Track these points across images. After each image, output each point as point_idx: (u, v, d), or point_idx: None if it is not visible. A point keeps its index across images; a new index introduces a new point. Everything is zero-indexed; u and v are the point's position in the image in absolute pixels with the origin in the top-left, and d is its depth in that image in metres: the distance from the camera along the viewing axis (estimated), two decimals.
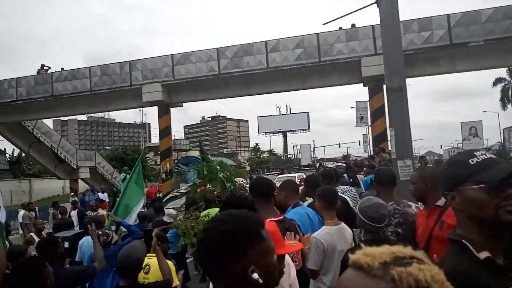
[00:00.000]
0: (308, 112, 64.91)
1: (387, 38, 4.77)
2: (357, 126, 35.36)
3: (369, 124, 30.41)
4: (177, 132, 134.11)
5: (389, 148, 15.34)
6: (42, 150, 25.23)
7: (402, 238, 3.00)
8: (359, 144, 53.73)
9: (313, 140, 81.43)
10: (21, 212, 12.01)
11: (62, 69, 20.71)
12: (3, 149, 38.51)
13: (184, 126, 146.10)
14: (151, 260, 3.51)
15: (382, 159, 10.16)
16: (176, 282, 3.43)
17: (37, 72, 20.87)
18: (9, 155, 36.77)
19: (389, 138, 18.54)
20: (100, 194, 15.43)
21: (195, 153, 61.15)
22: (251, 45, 17.55)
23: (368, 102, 29.11)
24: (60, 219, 8.32)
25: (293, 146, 77.13)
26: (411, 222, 3.00)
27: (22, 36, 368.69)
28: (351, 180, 7.29)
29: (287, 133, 65.15)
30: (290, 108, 74.60)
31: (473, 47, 14.92)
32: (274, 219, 2.46)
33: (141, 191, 7.08)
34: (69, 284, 3.17)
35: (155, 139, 76.63)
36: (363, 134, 49.23)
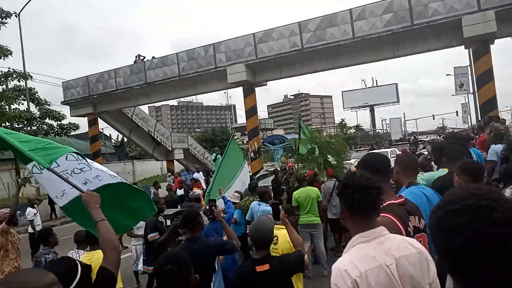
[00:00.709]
0: (396, 84, 61.10)
1: None
2: (455, 95, 32.31)
3: (471, 91, 27.44)
4: (261, 111, 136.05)
5: (502, 118, 13.62)
6: (141, 134, 27.36)
7: None
8: (457, 115, 49.11)
9: (403, 113, 76.59)
10: None
11: (153, 57, 21.93)
12: (108, 135, 42.73)
13: (267, 106, 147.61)
14: (279, 232, 3.56)
15: (493, 129, 8.90)
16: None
17: (134, 62, 22.40)
18: (114, 140, 40.65)
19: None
20: (195, 173, 16.17)
21: (279, 131, 61.52)
22: (335, 15, 16.63)
23: (469, 67, 26.26)
24: (168, 195, 8.82)
25: (381, 120, 73.46)
26: None
27: (119, 32, 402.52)
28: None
29: (374, 106, 62.13)
30: (376, 81, 70.78)
31: None
32: (395, 201, 2.08)
33: (237, 166, 7.08)
34: (211, 253, 3.36)
35: (240, 119, 78.72)
36: (461, 104, 44.95)
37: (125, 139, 31.22)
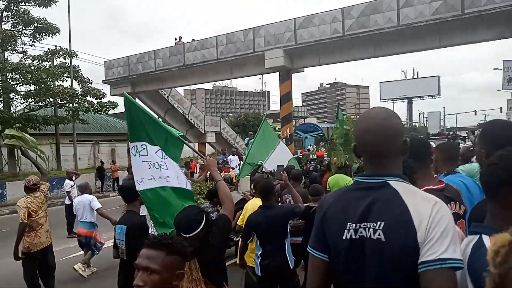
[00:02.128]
0: (438, 76, 58.59)
1: None
2: (502, 90, 30.72)
3: None
4: (295, 99, 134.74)
5: None
6: (176, 115, 27.83)
7: None
8: (501, 111, 46.64)
9: (443, 107, 73.76)
10: None
11: (193, 39, 22.07)
12: None
13: (302, 94, 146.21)
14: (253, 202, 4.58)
15: None
16: None
17: (175, 44, 22.66)
18: None
19: None
20: (230, 156, 16.28)
21: (312, 120, 60.84)
22: (380, 2, 16.01)
23: None
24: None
25: (419, 113, 71.12)
26: None
27: (162, 15, 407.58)
28: None
29: (412, 99, 60.03)
30: (417, 72, 68.30)
31: None
32: (434, 187, 2.03)
33: (271, 145, 7.01)
34: (286, 217, 3.93)
35: (274, 106, 78.43)
36: (507, 100, 42.66)
37: (160, 120, 31.81)
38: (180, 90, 34.05)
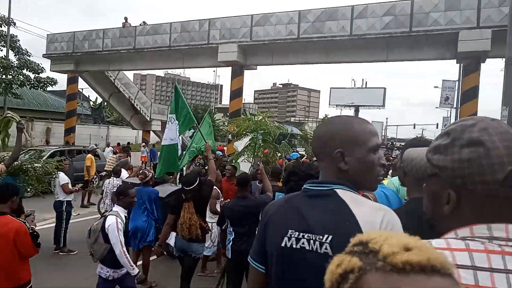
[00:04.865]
0: (385, 88, 61.06)
1: None
2: (439, 108, 32.75)
3: (455, 106, 27.85)
4: (248, 96, 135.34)
5: None
6: (121, 100, 26.69)
7: None
8: (437, 127, 49.99)
9: (386, 118, 77.48)
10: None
11: (144, 22, 21.19)
12: (87, 96, 41.56)
13: (255, 91, 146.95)
14: None
15: None
16: None
17: (122, 25, 21.58)
18: (93, 102, 39.59)
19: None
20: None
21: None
22: (336, 10, 16.39)
23: (457, 82, 26.57)
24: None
25: None
26: None
27: None
28: None
29: (359, 107, 62.44)
30: (366, 82, 71.10)
31: None
32: None
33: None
34: (258, 208, 4.09)
35: (226, 101, 78.03)
36: (443, 117, 45.69)
37: (104, 103, 30.42)
38: (129, 74, 32.74)
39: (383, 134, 55.90)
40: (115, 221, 3.65)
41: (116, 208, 3.88)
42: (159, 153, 16.03)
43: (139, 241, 5.45)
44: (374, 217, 1.19)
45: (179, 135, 5.91)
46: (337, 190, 1.27)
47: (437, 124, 49.78)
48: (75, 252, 6.66)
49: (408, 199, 1.87)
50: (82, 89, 35.55)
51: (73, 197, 7.27)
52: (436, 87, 34.65)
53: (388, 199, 2.66)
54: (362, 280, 0.51)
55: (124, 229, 3.76)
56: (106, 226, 3.64)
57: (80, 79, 24.57)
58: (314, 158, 1.35)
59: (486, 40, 13.73)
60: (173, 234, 4.56)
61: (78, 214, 9.68)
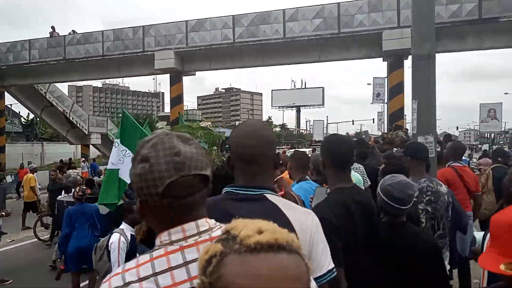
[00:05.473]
0: (323, 87, 63.79)
1: None
2: (372, 103, 34.63)
3: (386, 101, 29.65)
4: (191, 102, 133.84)
5: (405, 127, 14.88)
6: (55, 114, 25.31)
7: (430, 217, 2.83)
8: (373, 122, 52.79)
9: (327, 116, 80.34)
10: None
11: (74, 31, 20.33)
12: (17, 112, 38.88)
13: (198, 97, 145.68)
14: None
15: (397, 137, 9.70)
16: None
17: (50, 35, 20.53)
18: (24, 118, 37.08)
19: (405, 114, 17.64)
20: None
21: (207, 124, 61.01)
22: (269, 14, 16.85)
23: (386, 79, 28.30)
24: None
25: (306, 121, 76.40)
26: (441, 201, 2.85)
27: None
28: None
29: (300, 108, 64.31)
30: (305, 83, 73.53)
31: (504, 23, 14.00)
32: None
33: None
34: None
35: (168, 109, 76.59)
36: (378, 112, 48.29)
37: (37, 119, 28.65)
38: (63, 86, 31.12)
39: (325, 132, 57.97)
40: (117, 240, 3.59)
41: (123, 225, 3.81)
42: (99, 167, 15.46)
43: (81, 262, 5.11)
44: (305, 220, 1.24)
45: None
46: (267, 195, 1.28)
47: (373, 119, 52.52)
48: (9, 282, 6.15)
49: (331, 189, 2.04)
50: (11, 104, 33.20)
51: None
52: (369, 84, 36.66)
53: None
54: (222, 263, 0.58)
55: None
56: (109, 243, 3.63)
57: (7, 95, 23.00)
58: None
59: (407, 38, 14.75)
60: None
61: (12, 240, 9.12)
